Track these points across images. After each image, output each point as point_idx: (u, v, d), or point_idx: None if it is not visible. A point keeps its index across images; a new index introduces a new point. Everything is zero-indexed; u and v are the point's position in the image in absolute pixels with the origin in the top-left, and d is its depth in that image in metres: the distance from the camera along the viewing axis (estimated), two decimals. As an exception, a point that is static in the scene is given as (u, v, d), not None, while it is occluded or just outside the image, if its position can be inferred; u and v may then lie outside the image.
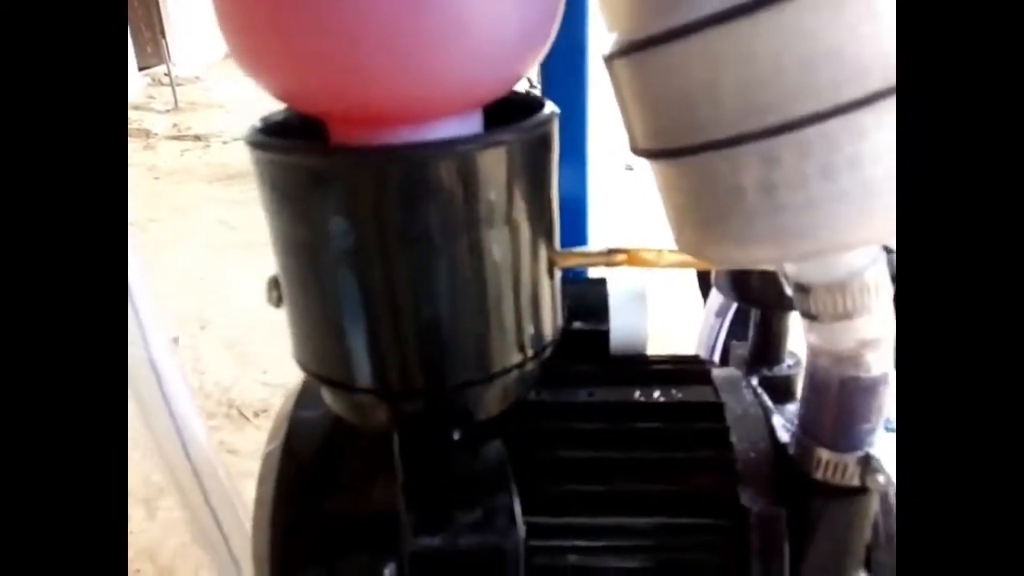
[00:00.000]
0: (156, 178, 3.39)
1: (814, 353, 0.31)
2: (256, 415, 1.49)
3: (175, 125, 4.41)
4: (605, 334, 0.40)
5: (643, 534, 0.34)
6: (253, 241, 2.46)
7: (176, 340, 1.77)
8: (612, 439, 0.36)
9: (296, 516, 0.36)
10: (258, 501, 0.37)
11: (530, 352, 0.32)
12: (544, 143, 0.30)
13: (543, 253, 0.32)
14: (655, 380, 0.39)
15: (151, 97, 5.36)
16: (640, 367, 0.41)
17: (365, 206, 0.28)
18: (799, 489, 0.33)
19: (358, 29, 0.23)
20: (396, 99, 0.26)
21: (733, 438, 0.36)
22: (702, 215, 0.26)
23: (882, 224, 0.25)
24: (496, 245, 0.29)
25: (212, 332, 1.83)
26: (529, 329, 0.32)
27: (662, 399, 0.38)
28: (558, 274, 0.34)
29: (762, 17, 0.22)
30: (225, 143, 3.98)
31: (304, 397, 0.41)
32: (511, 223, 0.30)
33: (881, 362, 0.30)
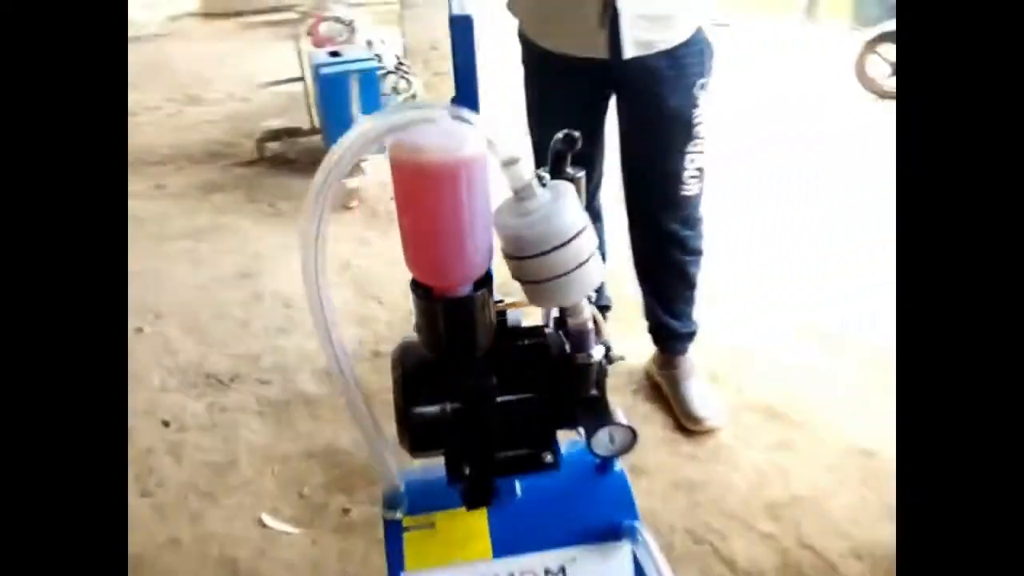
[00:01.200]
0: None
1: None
2: (232, 380, 1.95)
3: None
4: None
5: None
6: (165, 233, 2.79)
7: (141, 330, 2.15)
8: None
9: (410, 381, 0.85)
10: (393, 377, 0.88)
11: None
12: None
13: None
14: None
15: None
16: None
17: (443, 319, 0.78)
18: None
19: (440, 259, 0.75)
20: (450, 281, 0.77)
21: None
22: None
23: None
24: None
25: (167, 320, 2.21)
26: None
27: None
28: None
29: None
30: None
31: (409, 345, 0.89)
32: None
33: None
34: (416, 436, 0.89)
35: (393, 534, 0.98)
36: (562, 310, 0.83)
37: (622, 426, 0.93)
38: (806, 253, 2.62)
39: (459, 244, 0.71)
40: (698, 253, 1.74)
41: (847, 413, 1.84)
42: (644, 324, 1.90)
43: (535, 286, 0.76)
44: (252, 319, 2.21)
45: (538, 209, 0.72)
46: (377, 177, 3.03)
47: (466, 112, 0.70)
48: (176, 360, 2.03)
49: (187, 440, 1.75)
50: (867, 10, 4.74)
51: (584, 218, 0.74)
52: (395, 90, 3.52)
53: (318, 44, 3.33)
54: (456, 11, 0.79)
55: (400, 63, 3.59)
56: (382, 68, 3.18)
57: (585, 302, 0.80)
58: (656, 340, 1.89)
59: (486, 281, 0.77)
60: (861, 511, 1.58)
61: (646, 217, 1.68)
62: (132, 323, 2.18)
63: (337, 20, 3.53)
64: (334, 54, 3.12)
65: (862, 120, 4.01)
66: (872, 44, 4.32)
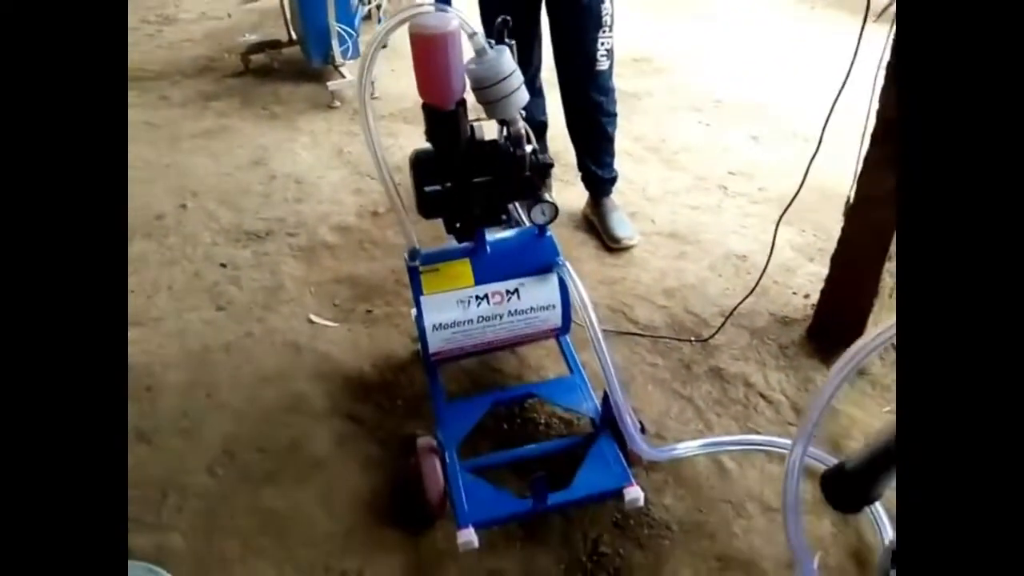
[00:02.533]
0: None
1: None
2: (267, 235, 2.54)
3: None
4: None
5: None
6: (180, 134, 3.30)
7: (184, 206, 2.72)
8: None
9: (421, 169, 1.47)
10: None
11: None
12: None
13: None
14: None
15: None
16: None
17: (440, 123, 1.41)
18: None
19: (438, 87, 1.36)
20: (444, 101, 1.38)
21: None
22: None
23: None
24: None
25: (204, 197, 2.77)
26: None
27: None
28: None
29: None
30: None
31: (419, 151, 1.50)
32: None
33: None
34: (425, 205, 1.52)
35: (415, 274, 1.61)
36: (505, 122, 1.44)
37: (549, 203, 1.57)
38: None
39: (448, 78, 1.32)
40: (613, 115, 2.36)
41: (728, 232, 2.52)
42: (579, 176, 2.53)
43: (489, 106, 1.38)
44: (272, 192, 2.79)
45: (488, 59, 1.32)
46: (353, 79, 3.54)
47: (446, 7, 1.29)
48: (220, 223, 2.61)
49: (242, 275, 2.36)
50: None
51: (513, 66, 1.35)
52: (362, 1, 3.96)
53: (291, -39, 3.72)
54: (436, -57, 1.37)
55: (364, -24, 4.01)
56: (352, -19, 3.62)
57: (519, 117, 1.42)
58: (587, 187, 2.53)
59: (463, 104, 1.38)
60: (731, 292, 2.26)
61: (571, 88, 2.28)
62: (176, 201, 2.74)
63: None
64: (308, -30, 3.55)
65: (791, 14, 4.57)
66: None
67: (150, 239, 2.55)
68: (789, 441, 1.57)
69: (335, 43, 3.55)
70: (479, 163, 1.46)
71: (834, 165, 1.82)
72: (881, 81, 1.62)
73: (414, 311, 1.99)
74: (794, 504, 1.06)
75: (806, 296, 2.22)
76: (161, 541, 1.57)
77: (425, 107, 1.37)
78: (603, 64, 2.21)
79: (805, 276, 2.31)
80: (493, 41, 1.39)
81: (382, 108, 3.43)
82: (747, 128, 3.23)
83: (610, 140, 2.41)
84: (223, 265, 2.40)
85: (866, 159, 1.73)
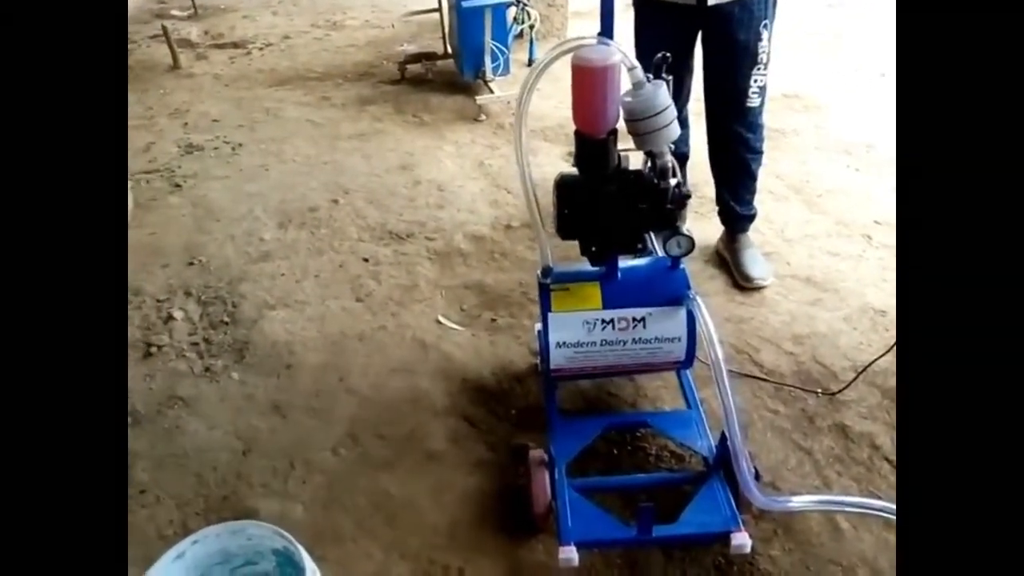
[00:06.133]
0: (225, 85, 4.32)
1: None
2: (407, 236, 2.69)
3: (207, 33, 5.21)
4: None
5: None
6: (338, 134, 3.55)
7: (336, 201, 2.92)
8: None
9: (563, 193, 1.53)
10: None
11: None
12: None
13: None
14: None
15: (162, 2, 6.03)
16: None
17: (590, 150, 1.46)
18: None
19: (593, 116, 1.40)
20: (597, 130, 1.43)
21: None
22: None
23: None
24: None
25: (354, 195, 2.98)
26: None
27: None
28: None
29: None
30: (260, 50, 4.85)
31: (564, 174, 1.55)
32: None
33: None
34: (565, 227, 1.57)
35: (544, 292, 1.67)
36: (653, 154, 1.47)
37: (686, 236, 1.58)
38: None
39: (604, 109, 1.37)
40: (759, 152, 2.32)
41: (868, 284, 2.41)
42: (715, 210, 2.50)
43: (640, 137, 1.41)
44: (416, 197, 2.95)
45: (645, 93, 1.36)
46: (502, 94, 3.67)
47: (608, 40, 1.34)
48: (366, 221, 2.79)
49: (382, 271, 2.51)
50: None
51: (669, 100, 1.37)
52: (516, 20, 4.10)
53: (455, -20, 3.91)
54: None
55: (521, -4, 4.15)
56: (510, 2, 3.77)
57: (667, 150, 1.45)
58: (723, 221, 2.49)
59: (614, 133, 1.42)
60: (865, 347, 2.16)
61: (719, 122, 2.26)
62: (329, 196, 2.96)
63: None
64: (470, -11, 3.72)
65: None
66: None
67: (303, 228, 2.77)
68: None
69: (487, 59, 3.70)
70: (624, 191, 1.50)
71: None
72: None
73: (538, 326, 2.06)
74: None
75: (949, 361, 2.08)
76: (285, 509, 1.70)
77: (577, 134, 1.43)
78: (754, 101, 2.18)
79: (950, 340, 2.17)
80: (651, 75, 1.42)
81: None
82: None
83: (753, 177, 2.37)
84: (366, 260, 2.57)
85: None
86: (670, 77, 1.43)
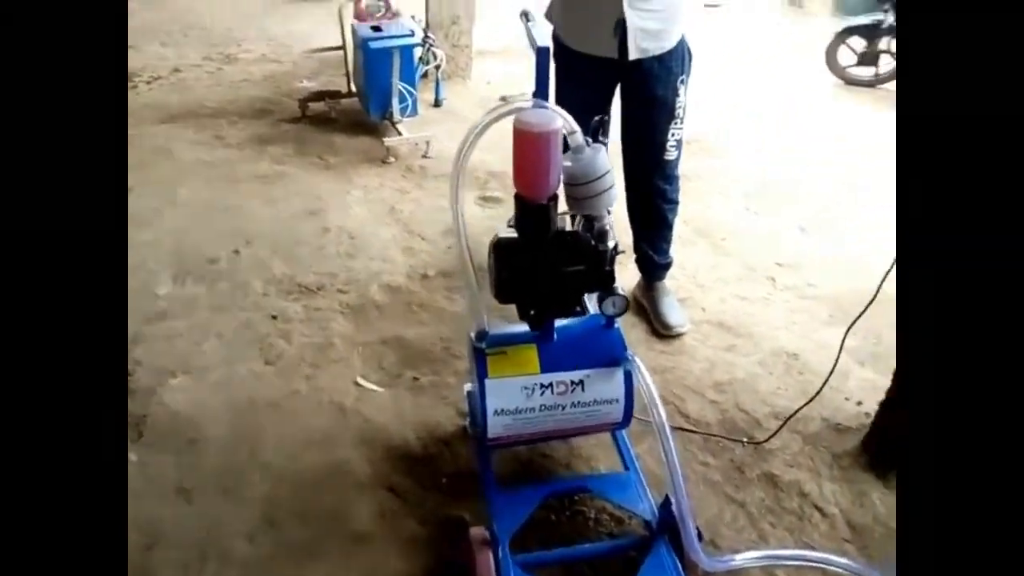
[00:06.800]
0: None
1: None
2: (318, 289, 2.55)
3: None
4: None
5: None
6: (237, 176, 3.35)
7: (238, 252, 2.73)
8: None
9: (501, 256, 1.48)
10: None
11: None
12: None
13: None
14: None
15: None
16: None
17: (530, 216, 1.42)
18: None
19: (534, 182, 1.37)
20: (538, 195, 1.39)
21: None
22: None
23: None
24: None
25: (257, 244, 2.79)
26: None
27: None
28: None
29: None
30: (148, 83, 4.54)
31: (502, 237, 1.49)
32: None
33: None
34: (503, 291, 1.51)
35: (480, 357, 1.60)
36: (592, 217, 1.44)
37: (621, 296, 1.56)
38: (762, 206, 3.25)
39: (545, 173, 1.33)
40: (675, 203, 2.36)
41: (778, 327, 2.49)
42: (633, 258, 2.52)
43: (580, 202, 1.38)
44: (325, 245, 2.80)
45: (585, 157, 1.33)
46: (409, 137, 3.60)
47: (546, 103, 1.31)
48: (272, 273, 2.61)
49: (292, 329, 2.35)
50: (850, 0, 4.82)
51: (608, 165, 1.35)
52: (422, 61, 4.05)
53: (360, 18, 3.83)
54: (540, 44, 1.39)
55: (427, 36, 4.11)
56: (417, 43, 3.72)
57: (606, 213, 1.42)
58: (641, 269, 2.52)
59: (555, 199, 1.38)
60: (782, 392, 2.22)
61: (637, 175, 2.29)
62: (230, 246, 2.76)
63: (378, -2, 4.00)
64: (376, 28, 3.64)
65: (828, 102, 4.63)
66: (842, 36, 4.85)
67: (202, 282, 2.57)
68: (846, 560, 1.57)
69: (395, 100, 3.62)
70: (563, 255, 1.46)
71: (886, 265, 1.75)
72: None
73: (467, 386, 1.97)
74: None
75: (859, 403, 2.17)
76: (196, 609, 1.53)
77: (518, 198, 1.38)
78: (672, 154, 2.22)
79: (857, 381, 2.26)
80: (590, 139, 1.40)
81: (436, 168, 3.47)
82: (794, 216, 3.21)
83: (669, 227, 2.41)
84: (274, 317, 2.40)
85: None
86: (608, 140, 1.42)
